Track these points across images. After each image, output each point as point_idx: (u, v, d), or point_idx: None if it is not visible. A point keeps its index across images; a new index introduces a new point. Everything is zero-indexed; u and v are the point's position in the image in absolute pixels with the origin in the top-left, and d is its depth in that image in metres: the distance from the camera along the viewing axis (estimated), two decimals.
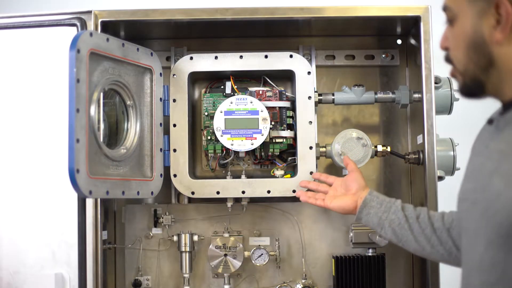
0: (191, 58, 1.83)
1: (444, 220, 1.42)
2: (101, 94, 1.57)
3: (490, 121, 1.13)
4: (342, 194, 1.62)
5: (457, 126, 2.03)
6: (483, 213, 1.04)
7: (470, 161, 1.18)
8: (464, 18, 1.06)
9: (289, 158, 1.89)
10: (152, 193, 1.74)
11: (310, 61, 1.91)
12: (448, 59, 1.12)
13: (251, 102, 1.81)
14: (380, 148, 1.84)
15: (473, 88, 1.09)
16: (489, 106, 1.20)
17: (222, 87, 1.91)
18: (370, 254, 1.87)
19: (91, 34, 1.53)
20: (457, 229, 1.36)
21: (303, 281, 1.92)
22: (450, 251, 1.39)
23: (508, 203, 0.98)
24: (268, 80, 1.91)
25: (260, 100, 1.83)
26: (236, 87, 1.89)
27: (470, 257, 1.08)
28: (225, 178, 1.87)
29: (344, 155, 1.75)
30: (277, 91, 1.87)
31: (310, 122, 1.80)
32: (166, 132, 1.81)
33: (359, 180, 1.61)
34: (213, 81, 1.94)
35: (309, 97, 1.81)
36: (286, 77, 1.93)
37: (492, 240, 1.01)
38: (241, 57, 1.83)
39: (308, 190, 1.74)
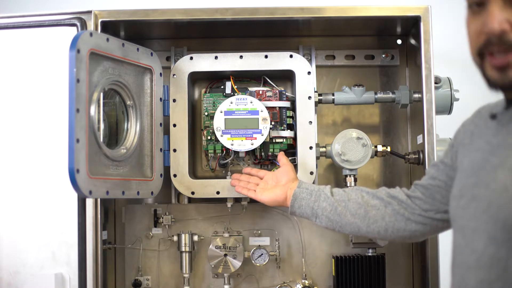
0: (191, 58, 1.83)
1: (385, 195, 1.45)
2: (101, 94, 1.57)
3: (493, 116, 1.10)
4: (272, 186, 1.64)
5: (457, 126, 2.02)
6: (484, 209, 1.02)
7: (464, 157, 1.16)
8: None
9: (289, 158, 1.89)
10: (152, 193, 1.74)
11: (310, 61, 1.91)
12: (506, 44, 0.99)
13: (251, 102, 1.81)
14: (380, 148, 1.84)
15: None
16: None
17: (222, 87, 1.91)
18: (370, 254, 1.87)
19: (91, 34, 1.53)
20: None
21: (303, 281, 1.92)
22: (386, 228, 1.42)
23: None
24: (268, 80, 1.91)
25: (260, 100, 1.83)
26: (236, 87, 1.89)
27: (466, 256, 1.06)
28: (225, 178, 1.87)
29: (280, 152, 1.77)
30: (277, 91, 1.87)
31: (310, 122, 1.80)
32: (166, 132, 1.81)
33: (290, 172, 1.65)
34: (213, 81, 1.94)
35: (309, 97, 1.81)
36: (286, 77, 1.93)
37: (494, 235, 1.00)
38: (241, 57, 1.83)
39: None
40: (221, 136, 1.80)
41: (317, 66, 1.95)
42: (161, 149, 1.78)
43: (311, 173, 1.78)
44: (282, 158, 1.73)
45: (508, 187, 0.98)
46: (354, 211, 1.46)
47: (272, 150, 1.84)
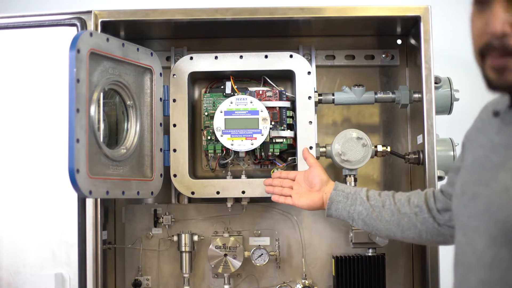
0: (191, 58, 1.83)
1: (411, 202, 1.46)
2: (101, 94, 1.57)
3: (496, 114, 1.09)
4: (307, 191, 1.64)
5: (457, 126, 2.02)
6: (485, 208, 1.02)
7: (469, 153, 1.15)
8: None
9: (289, 158, 1.89)
10: (152, 193, 1.74)
11: (310, 61, 1.92)
12: (506, 47, 0.96)
13: (251, 102, 1.81)
14: (380, 148, 1.84)
15: None
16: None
17: (222, 87, 1.91)
18: (370, 254, 1.87)
19: (91, 34, 1.53)
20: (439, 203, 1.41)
21: (303, 281, 1.92)
22: (420, 234, 1.43)
23: None
24: (268, 80, 1.91)
25: (260, 100, 1.83)
26: (236, 87, 1.89)
27: (467, 255, 1.06)
28: (225, 178, 1.87)
29: (305, 148, 1.75)
30: (277, 91, 1.87)
31: (310, 122, 1.80)
32: (166, 132, 1.81)
33: (321, 174, 1.62)
34: (213, 81, 1.95)
35: (309, 97, 1.81)
36: (286, 77, 1.93)
37: (495, 236, 0.99)
38: (241, 57, 1.83)
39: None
40: (221, 136, 1.80)
41: (317, 66, 1.95)
42: (161, 149, 1.78)
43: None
44: (309, 157, 1.70)
45: (509, 188, 0.98)
46: (388, 218, 1.47)
47: (272, 150, 1.84)
